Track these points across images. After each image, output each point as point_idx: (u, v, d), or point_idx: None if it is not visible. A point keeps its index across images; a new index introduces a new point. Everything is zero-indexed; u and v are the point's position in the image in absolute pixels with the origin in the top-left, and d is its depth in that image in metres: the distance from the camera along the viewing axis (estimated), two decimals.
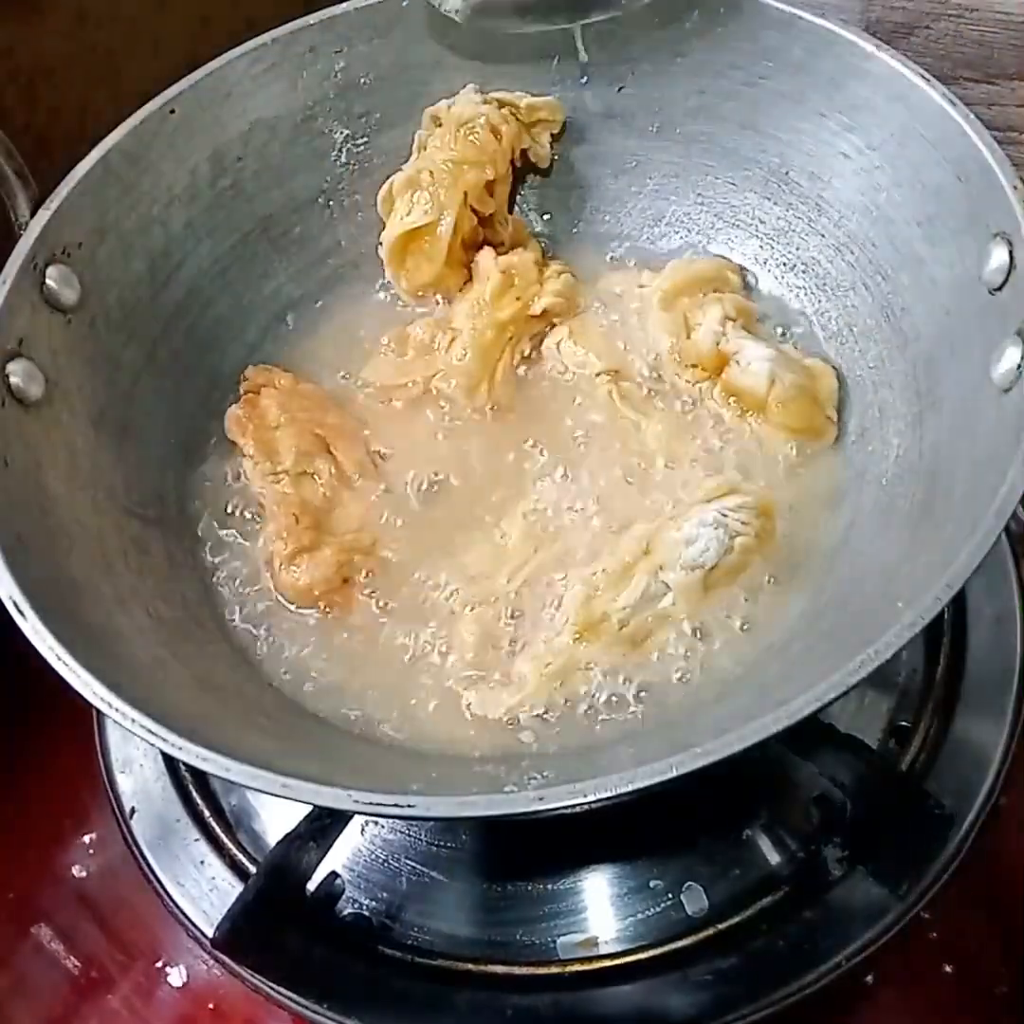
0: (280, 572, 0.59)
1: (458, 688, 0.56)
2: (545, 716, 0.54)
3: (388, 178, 0.69)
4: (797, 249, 0.67)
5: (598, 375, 0.65)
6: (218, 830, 0.62)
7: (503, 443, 0.64)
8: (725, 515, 0.55)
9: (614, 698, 0.54)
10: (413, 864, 0.60)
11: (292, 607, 0.59)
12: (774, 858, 0.57)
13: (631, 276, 0.70)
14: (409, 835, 0.61)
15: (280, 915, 0.55)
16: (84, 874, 0.67)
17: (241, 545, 0.62)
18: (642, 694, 0.54)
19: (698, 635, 0.55)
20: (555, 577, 0.58)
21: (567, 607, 0.56)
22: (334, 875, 0.59)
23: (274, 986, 0.56)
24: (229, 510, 0.63)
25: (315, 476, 0.62)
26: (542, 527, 0.60)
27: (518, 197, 0.73)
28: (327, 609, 0.59)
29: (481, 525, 0.61)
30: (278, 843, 0.53)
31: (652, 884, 0.57)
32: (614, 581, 0.56)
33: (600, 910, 0.57)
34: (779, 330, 0.67)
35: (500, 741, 0.54)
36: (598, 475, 0.62)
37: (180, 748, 0.42)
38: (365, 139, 0.70)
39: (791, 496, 0.60)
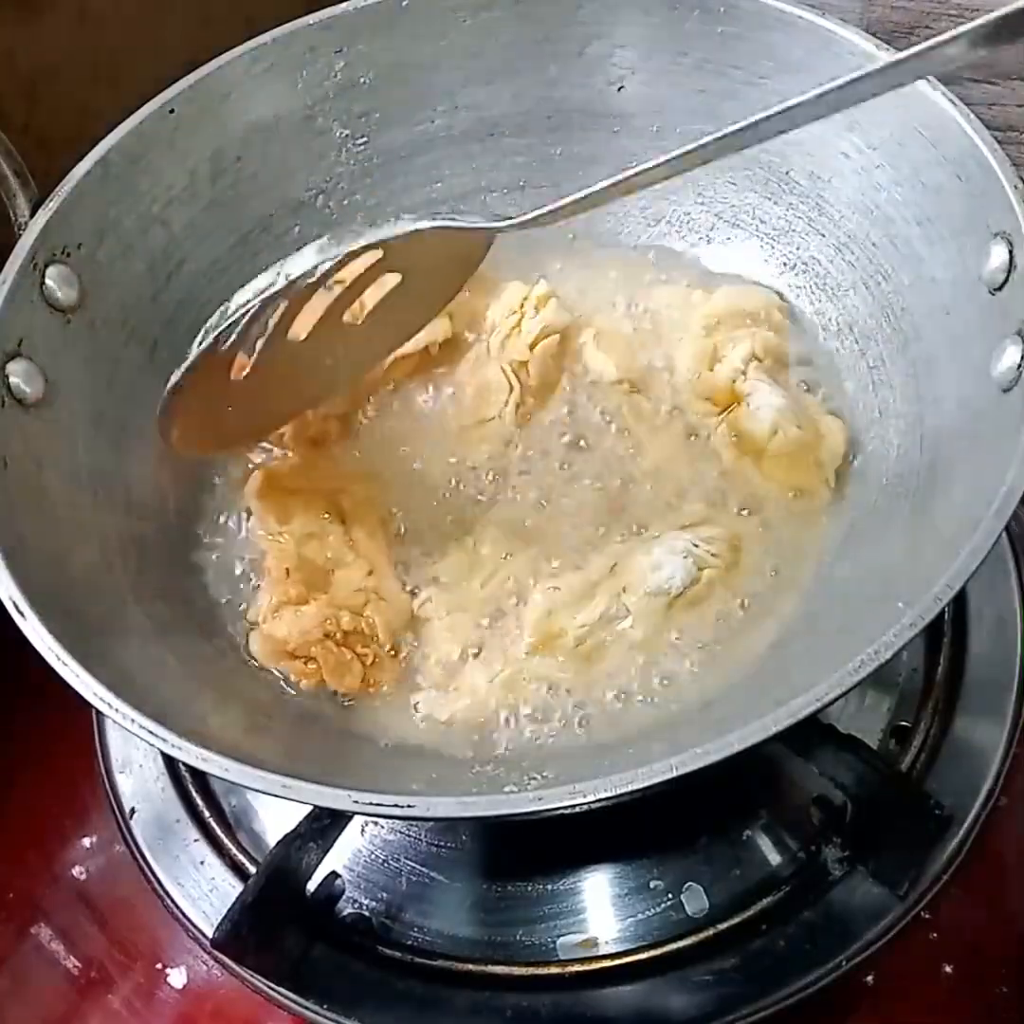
0: (262, 626, 0.57)
1: (411, 692, 0.56)
2: (489, 725, 0.54)
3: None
4: (797, 249, 0.67)
5: (614, 384, 0.65)
6: (218, 830, 0.62)
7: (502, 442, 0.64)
8: (696, 545, 0.56)
9: (556, 713, 0.55)
10: (413, 864, 0.60)
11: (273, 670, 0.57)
12: (774, 858, 0.57)
13: (681, 294, 0.69)
14: (409, 835, 0.61)
15: (280, 915, 0.55)
16: (84, 874, 0.67)
17: (240, 546, 0.62)
18: (584, 711, 0.55)
19: (649, 660, 0.55)
20: (526, 585, 0.58)
21: (526, 619, 0.56)
22: (334, 875, 0.59)
23: (274, 986, 0.56)
24: (229, 511, 0.63)
25: (321, 538, 0.60)
26: (515, 533, 0.60)
27: (508, 198, 0.73)
28: (304, 675, 0.55)
29: (455, 531, 0.61)
30: (278, 843, 0.53)
31: (652, 884, 0.57)
32: (576, 598, 0.56)
33: (600, 910, 0.57)
34: (803, 383, 0.65)
35: (448, 743, 0.54)
36: (585, 485, 0.62)
37: (180, 748, 0.42)
38: (365, 139, 0.70)
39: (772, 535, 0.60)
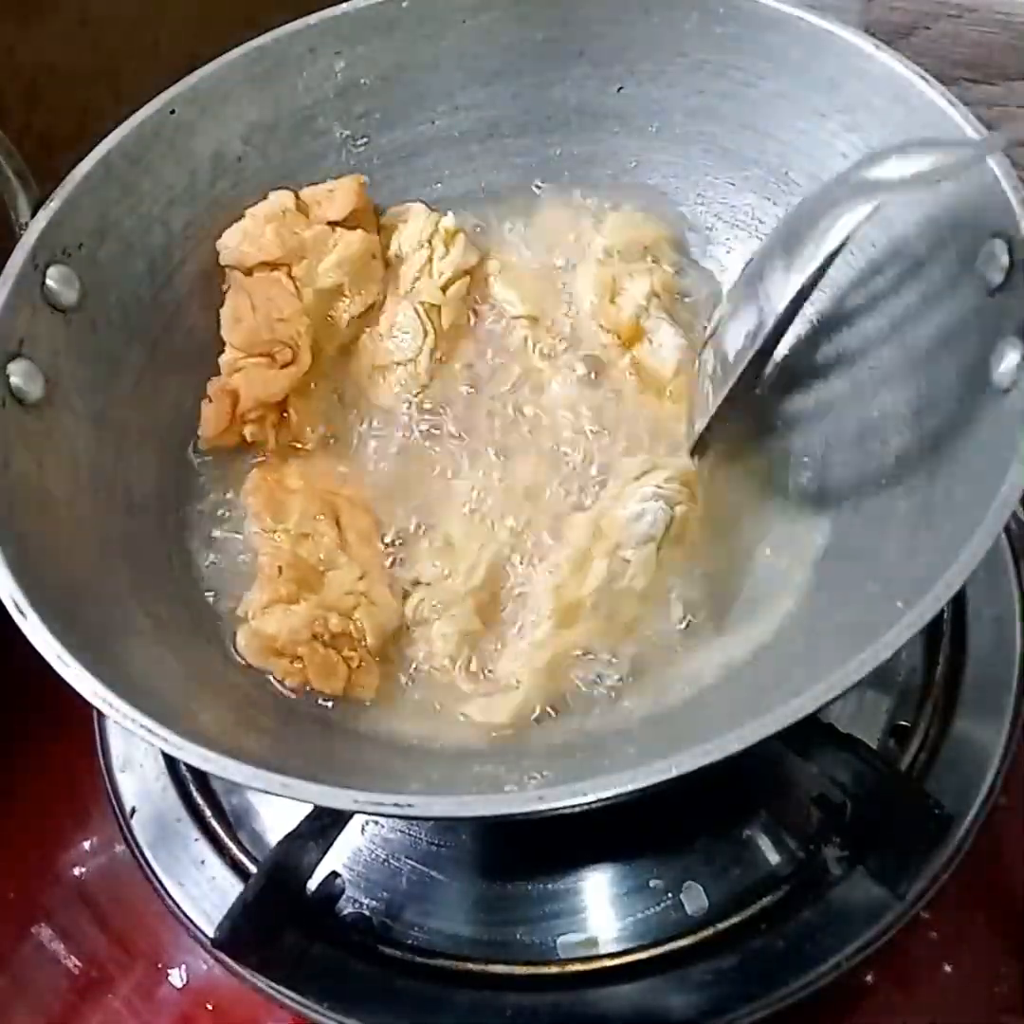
0: (251, 622, 0.56)
1: (447, 699, 0.56)
2: (548, 712, 0.54)
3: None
4: None
5: (515, 319, 0.65)
6: (219, 830, 0.62)
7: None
8: (661, 488, 0.58)
9: (609, 676, 0.55)
10: (413, 863, 0.60)
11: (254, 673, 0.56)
12: (774, 858, 0.58)
13: (576, 216, 0.69)
14: (409, 835, 0.61)
15: (280, 915, 0.55)
16: (85, 874, 0.67)
17: (240, 547, 0.62)
18: (635, 667, 0.55)
19: (659, 604, 0.57)
20: (512, 567, 0.59)
21: (538, 601, 0.57)
22: (334, 875, 0.59)
23: (274, 986, 0.56)
24: (229, 512, 0.63)
25: (315, 538, 0.59)
26: (480, 519, 0.61)
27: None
28: (289, 674, 0.55)
29: (419, 530, 0.61)
30: (278, 843, 0.53)
31: (652, 883, 0.57)
32: (576, 567, 0.57)
33: (600, 910, 0.57)
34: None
35: (499, 741, 0.54)
36: (518, 453, 0.63)
37: (180, 748, 0.42)
38: (365, 139, 0.70)
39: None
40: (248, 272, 0.64)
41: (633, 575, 0.57)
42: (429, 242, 0.66)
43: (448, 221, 0.68)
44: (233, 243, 0.64)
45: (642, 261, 0.66)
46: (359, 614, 0.57)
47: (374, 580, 0.59)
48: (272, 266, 0.64)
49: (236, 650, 0.57)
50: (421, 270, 0.66)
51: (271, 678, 0.56)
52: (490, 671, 0.57)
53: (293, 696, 0.56)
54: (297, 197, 0.67)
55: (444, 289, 0.66)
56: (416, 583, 0.60)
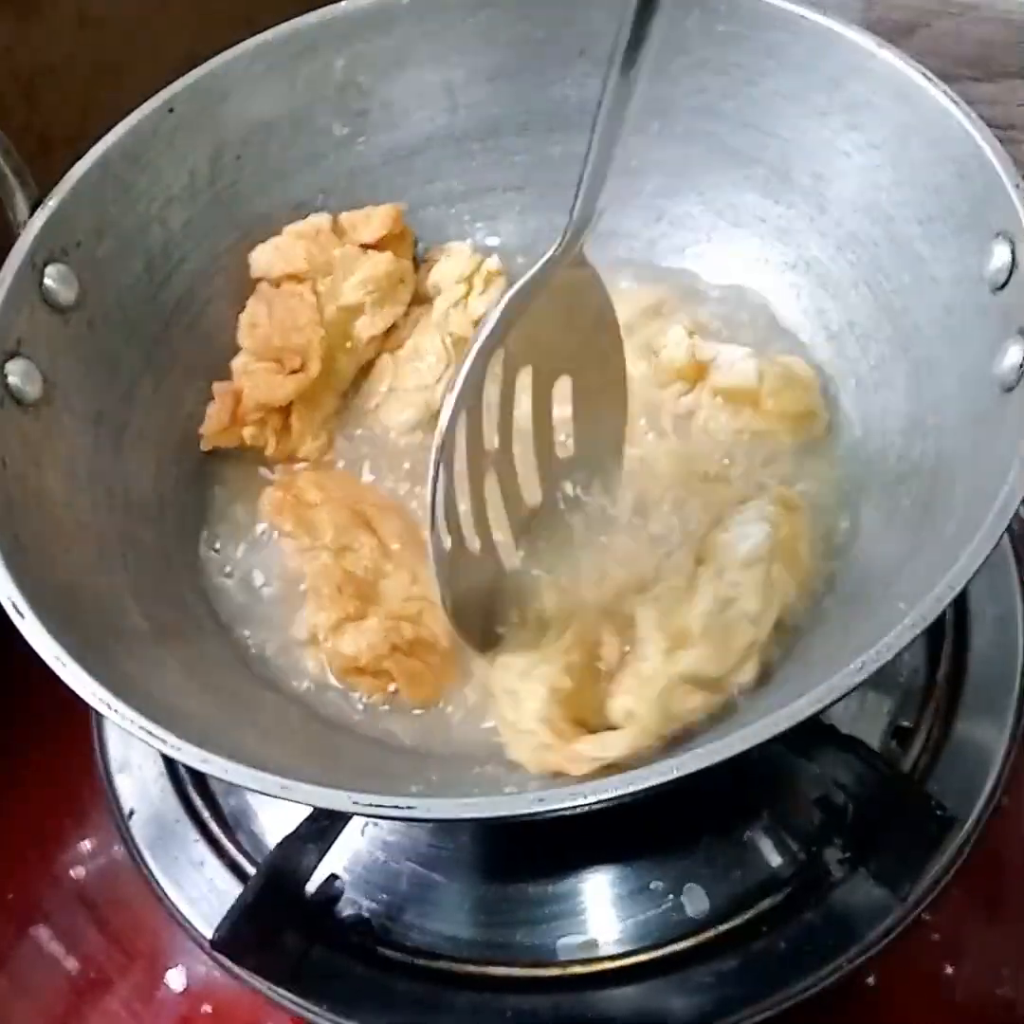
0: (325, 644, 0.56)
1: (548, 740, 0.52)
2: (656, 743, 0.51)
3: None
4: (798, 248, 0.67)
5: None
6: (217, 831, 0.62)
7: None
8: (762, 511, 0.56)
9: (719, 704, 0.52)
10: (413, 865, 0.60)
11: (341, 686, 0.56)
12: (775, 859, 0.57)
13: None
14: (409, 836, 0.61)
15: (280, 916, 0.55)
16: (84, 875, 0.67)
17: (240, 550, 0.62)
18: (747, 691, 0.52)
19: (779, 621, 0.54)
20: (606, 630, 0.54)
21: (642, 633, 0.53)
22: (334, 876, 0.59)
23: (274, 987, 0.56)
24: (228, 511, 0.63)
25: (356, 549, 0.59)
26: (572, 595, 0.56)
27: (507, 197, 0.73)
28: (376, 689, 0.55)
29: (506, 616, 0.56)
30: (277, 844, 0.53)
31: (653, 885, 0.57)
32: (679, 597, 0.54)
33: (600, 911, 0.57)
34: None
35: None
36: (610, 527, 0.59)
37: (179, 749, 0.42)
38: (365, 138, 0.70)
39: (802, 486, 0.60)
40: (276, 284, 0.66)
41: (745, 599, 0.53)
42: (469, 280, 0.67)
43: (492, 262, 0.68)
44: (264, 256, 0.66)
45: (662, 318, 0.66)
46: (427, 619, 0.57)
47: (426, 581, 0.58)
48: (298, 279, 0.65)
49: (307, 675, 0.57)
50: (456, 303, 0.66)
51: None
52: (587, 719, 0.52)
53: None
54: (335, 220, 0.68)
55: (475, 324, 0.66)
56: (503, 666, 0.55)
